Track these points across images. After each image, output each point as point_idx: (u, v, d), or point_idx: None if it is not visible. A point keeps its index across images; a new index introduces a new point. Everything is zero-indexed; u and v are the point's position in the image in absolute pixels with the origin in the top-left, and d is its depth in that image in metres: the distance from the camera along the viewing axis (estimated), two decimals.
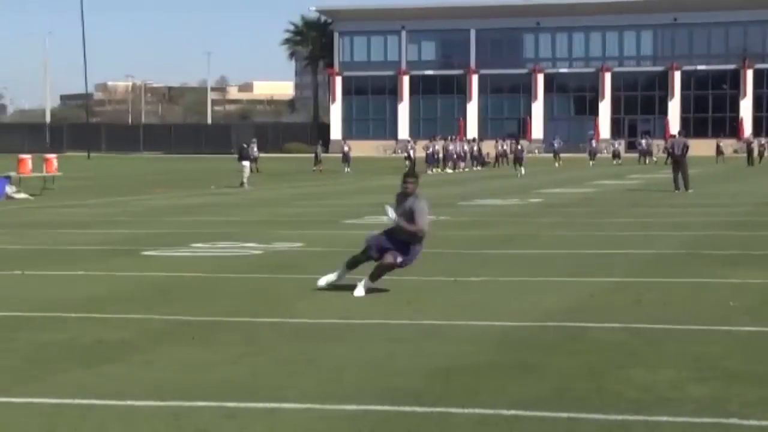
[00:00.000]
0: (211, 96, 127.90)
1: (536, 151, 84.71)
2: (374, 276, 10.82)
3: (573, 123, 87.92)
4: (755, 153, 56.64)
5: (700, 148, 64.27)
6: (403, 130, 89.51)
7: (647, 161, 61.06)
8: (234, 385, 6.85)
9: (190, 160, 73.39)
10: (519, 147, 51.75)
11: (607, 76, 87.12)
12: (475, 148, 58.19)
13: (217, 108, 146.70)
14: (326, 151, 54.57)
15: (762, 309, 9.63)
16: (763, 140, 60.98)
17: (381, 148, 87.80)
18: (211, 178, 41.75)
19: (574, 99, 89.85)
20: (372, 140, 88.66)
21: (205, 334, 8.66)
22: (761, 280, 11.58)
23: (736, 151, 72.33)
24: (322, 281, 11.02)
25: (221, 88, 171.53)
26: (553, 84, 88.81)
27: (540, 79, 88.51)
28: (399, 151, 70.30)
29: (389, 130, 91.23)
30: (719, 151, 61.52)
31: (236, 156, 39.11)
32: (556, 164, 59.05)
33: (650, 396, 6.50)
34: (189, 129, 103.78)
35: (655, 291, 10.78)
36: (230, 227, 19.44)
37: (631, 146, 78.02)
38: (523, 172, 46.28)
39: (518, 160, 50.11)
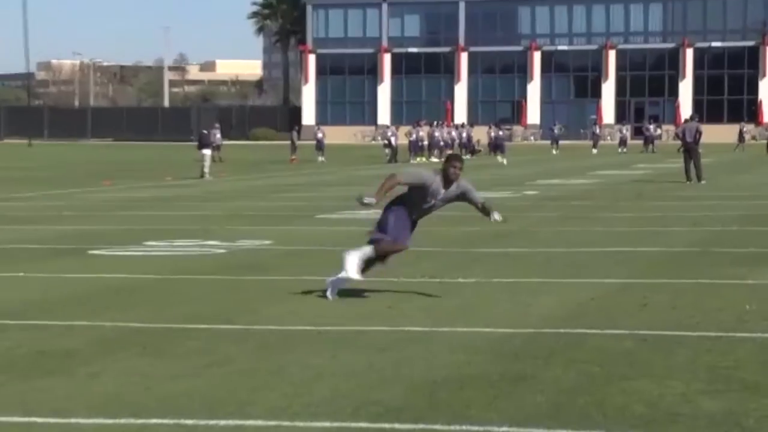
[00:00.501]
0: (168, 76, 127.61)
1: (532, 137, 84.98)
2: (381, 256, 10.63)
3: (573, 106, 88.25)
4: None
5: (715, 134, 64.56)
6: (384, 115, 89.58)
7: (654, 149, 61.27)
8: (192, 400, 6.83)
9: (145, 148, 73.21)
10: (500, 133, 51.96)
11: (612, 54, 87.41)
12: (464, 135, 58.30)
13: (175, 90, 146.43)
14: (299, 137, 54.65)
15: None
16: None
17: (359, 134, 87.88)
18: (168, 169, 41.65)
19: (575, 80, 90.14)
20: (349, 126, 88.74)
21: (161, 344, 8.64)
22: None
23: (754, 138, 72.65)
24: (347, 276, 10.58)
25: (180, 68, 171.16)
26: (551, 63, 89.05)
27: (537, 57, 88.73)
28: (378, 137, 70.32)
29: (368, 115, 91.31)
30: (741, 137, 61.74)
31: (196, 143, 39.03)
32: (554, 152, 59.24)
33: (658, 411, 6.53)
34: (143, 113, 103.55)
35: (664, 293, 10.83)
36: (189, 223, 19.40)
37: (637, 132, 78.33)
38: (504, 162, 46.50)
39: (498, 149, 50.26)
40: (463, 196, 10.92)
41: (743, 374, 7.38)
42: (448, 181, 10.74)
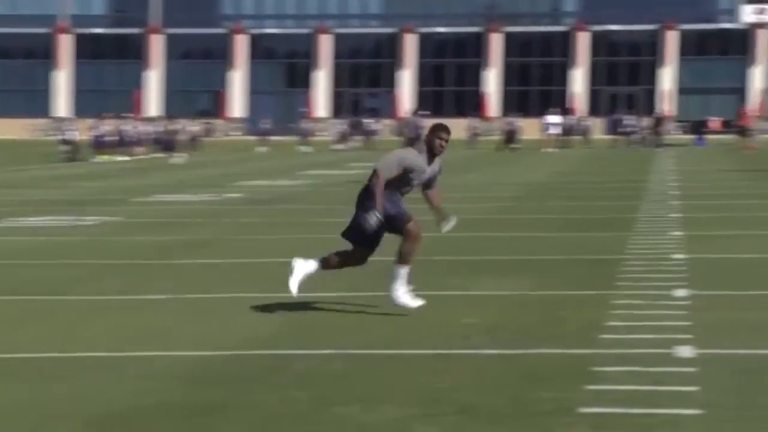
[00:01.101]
0: None
1: (239, 132, 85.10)
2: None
3: (283, 97, 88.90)
4: (515, 136, 59.43)
5: None
6: (62, 105, 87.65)
7: (372, 145, 62.51)
8: None
9: None
10: (173, 128, 52.27)
11: (325, 40, 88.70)
12: (159, 129, 57.90)
13: None
14: None
15: (502, 327, 10.09)
16: (519, 121, 63.68)
17: (31, 128, 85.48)
18: None
19: (286, 67, 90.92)
20: (21, 118, 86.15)
21: None
22: (504, 291, 12.17)
23: (479, 135, 75.39)
24: None
25: None
26: (258, 48, 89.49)
27: (241, 41, 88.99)
28: (55, 132, 68.68)
29: (43, 105, 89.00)
30: (474, 132, 64.04)
31: None
32: (261, 149, 59.64)
33: None
34: None
35: (378, 307, 11.08)
36: None
37: (353, 126, 79.76)
38: (179, 160, 46.90)
39: (169, 147, 50.50)
40: (434, 178, 10.89)
41: (460, 396, 7.64)
42: (431, 155, 10.63)
